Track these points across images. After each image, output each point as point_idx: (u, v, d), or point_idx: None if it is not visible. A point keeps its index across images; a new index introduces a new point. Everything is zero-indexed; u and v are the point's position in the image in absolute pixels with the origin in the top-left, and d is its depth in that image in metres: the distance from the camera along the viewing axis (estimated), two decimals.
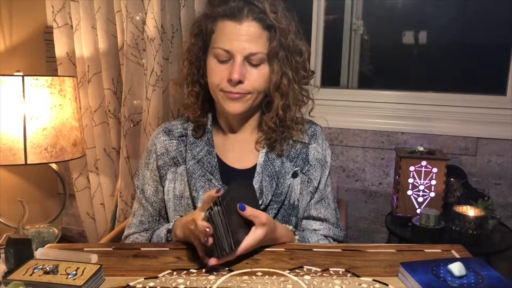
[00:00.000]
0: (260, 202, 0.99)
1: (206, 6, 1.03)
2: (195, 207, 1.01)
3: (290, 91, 1.02)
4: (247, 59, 0.97)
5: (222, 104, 1.01)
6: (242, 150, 1.08)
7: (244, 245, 0.86)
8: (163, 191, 1.08)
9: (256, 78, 0.98)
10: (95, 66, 1.96)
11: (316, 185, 1.08)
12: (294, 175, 1.05)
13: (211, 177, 1.02)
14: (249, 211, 0.86)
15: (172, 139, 1.08)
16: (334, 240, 1.10)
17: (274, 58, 0.98)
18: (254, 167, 1.04)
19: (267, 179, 1.02)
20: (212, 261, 0.83)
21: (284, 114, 1.03)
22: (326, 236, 1.09)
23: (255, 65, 0.98)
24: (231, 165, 1.06)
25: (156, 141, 1.09)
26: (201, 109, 1.07)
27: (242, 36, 0.95)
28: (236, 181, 0.90)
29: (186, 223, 0.91)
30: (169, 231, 1.00)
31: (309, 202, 1.09)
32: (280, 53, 0.98)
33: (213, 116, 1.10)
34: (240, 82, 0.96)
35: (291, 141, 1.07)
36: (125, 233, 1.13)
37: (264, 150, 1.05)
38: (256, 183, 1.01)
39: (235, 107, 1.00)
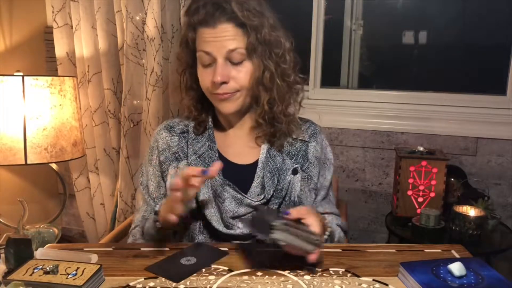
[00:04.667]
0: (262, 197, 1.02)
1: (184, 17, 1.08)
2: (196, 201, 1.03)
3: (274, 85, 1.03)
4: (229, 58, 0.98)
5: (216, 106, 1.05)
6: (242, 146, 1.10)
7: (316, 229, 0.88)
8: (165, 186, 1.10)
9: (241, 76, 1.00)
10: (95, 66, 1.96)
11: (315, 181, 1.11)
12: (294, 172, 1.07)
13: None
14: (294, 212, 0.88)
15: (174, 135, 1.10)
16: (342, 229, 1.15)
17: (253, 53, 1.00)
18: (255, 162, 1.06)
19: (268, 175, 1.04)
20: (312, 257, 0.84)
21: (270, 109, 1.04)
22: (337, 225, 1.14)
23: (238, 63, 1.00)
24: (232, 160, 1.08)
25: (158, 138, 1.11)
26: (201, 109, 1.10)
27: (219, 38, 0.98)
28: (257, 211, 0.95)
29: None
30: (156, 212, 1.00)
31: (314, 199, 1.12)
32: (258, 47, 1.00)
33: (214, 113, 1.12)
34: (224, 82, 0.99)
35: (291, 139, 1.10)
36: (130, 228, 1.16)
37: (265, 147, 1.07)
38: (257, 178, 1.04)
39: (227, 107, 1.03)
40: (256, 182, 1.03)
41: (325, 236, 0.96)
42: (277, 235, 0.80)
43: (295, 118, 1.10)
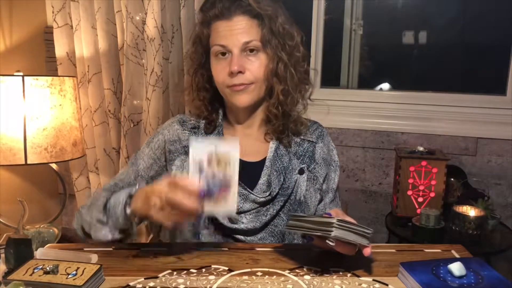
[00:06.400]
0: (267, 194, 1.03)
1: (199, 14, 1.10)
2: None
3: (287, 76, 1.06)
4: (244, 50, 1.02)
5: (231, 99, 1.07)
6: (251, 143, 1.11)
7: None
8: (160, 172, 1.11)
9: (256, 67, 1.03)
10: (95, 66, 1.96)
11: (321, 182, 1.12)
12: (301, 171, 1.09)
13: None
14: (333, 213, 0.91)
15: (185, 130, 1.13)
16: None
17: (268, 44, 1.03)
18: (262, 160, 1.08)
19: (275, 173, 1.06)
20: (368, 250, 0.85)
21: (285, 99, 1.07)
22: None
23: (253, 55, 1.03)
24: (240, 157, 1.08)
25: (170, 128, 1.13)
26: (211, 109, 1.13)
27: (234, 30, 1.01)
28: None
29: (152, 190, 0.86)
30: (130, 196, 0.93)
31: (320, 202, 1.13)
32: (272, 39, 1.03)
33: (224, 112, 1.14)
34: (240, 72, 1.02)
35: (299, 140, 1.12)
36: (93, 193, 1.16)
37: (273, 146, 1.09)
38: (264, 176, 1.05)
39: (242, 99, 1.05)
40: (262, 180, 1.05)
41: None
42: (337, 232, 0.81)
43: (302, 117, 1.13)
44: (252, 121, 1.12)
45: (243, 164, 1.08)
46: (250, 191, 1.03)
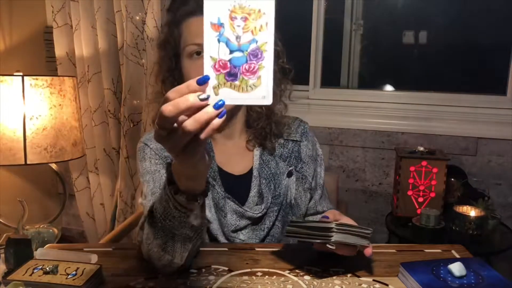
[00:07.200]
0: (262, 207, 1.00)
1: (167, 15, 1.03)
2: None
3: None
4: None
5: None
6: (235, 154, 1.06)
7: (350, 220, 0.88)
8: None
9: None
10: (95, 66, 1.96)
11: (310, 181, 1.09)
12: (289, 174, 1.06)
13: (214, 182, 1.00)
14: (331, 216, 0.90)
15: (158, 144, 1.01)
16: None
17: None
18: (250, 171, 1.04)
19: (264, 182, 1.02)
20: (369, 250, 0.84)
21: None
22: None
23: None
24: (228, 171, 1.04)
25: (149, 143, 1.02)
26: None
27: None
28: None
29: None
30: (170, 173, 0.71)
31: (310, 199, 1.10)
32: None
33: None
34: None
35: (282, 140, 1.07)
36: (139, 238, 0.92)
37: (257, 153, 1.04)
38: (254, 187, 1.01)
39: None
40: (253, 192, 1.01)
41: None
42: (337, 236, 0.80)
43: (284, 117, 1.08)
44: (232, 129, 1.04)
45: (230, 179, 1.01)
46: (245, 208, 0.99)
